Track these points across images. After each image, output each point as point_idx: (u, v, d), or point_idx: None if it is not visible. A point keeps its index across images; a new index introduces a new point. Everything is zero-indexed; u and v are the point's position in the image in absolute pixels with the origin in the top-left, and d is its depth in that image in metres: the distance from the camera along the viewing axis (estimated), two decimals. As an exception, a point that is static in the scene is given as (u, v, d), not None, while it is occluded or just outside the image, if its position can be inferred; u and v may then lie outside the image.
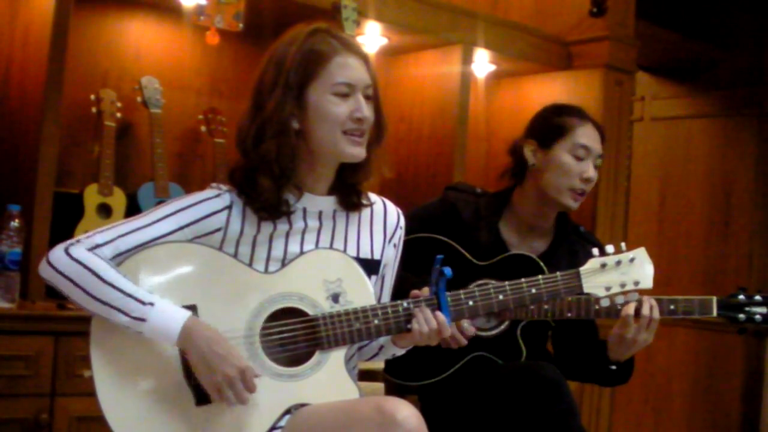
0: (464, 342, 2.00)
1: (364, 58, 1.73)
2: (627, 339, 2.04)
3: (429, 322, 1.69)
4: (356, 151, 1.71)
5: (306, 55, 1.68)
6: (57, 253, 1.62)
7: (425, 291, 1.73)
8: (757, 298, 2.12)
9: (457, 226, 2.23)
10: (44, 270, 1.62)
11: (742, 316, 2.11)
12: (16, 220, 2.41)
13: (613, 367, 2.13)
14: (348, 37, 1.76)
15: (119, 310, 1.58)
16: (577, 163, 2.19)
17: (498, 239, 2.24)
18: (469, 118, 3.53)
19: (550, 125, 2.23)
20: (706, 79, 4.90)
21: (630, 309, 2.02)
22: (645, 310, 2.02)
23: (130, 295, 1.58)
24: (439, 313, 1.70)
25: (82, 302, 1.60)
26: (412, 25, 3.38)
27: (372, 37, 3.41)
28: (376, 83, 1.75)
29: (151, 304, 1.58)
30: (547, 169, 2.20)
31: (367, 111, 1.71)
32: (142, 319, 1.57)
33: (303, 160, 1.72)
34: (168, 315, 1.59)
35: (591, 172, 2.19)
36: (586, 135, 2.21)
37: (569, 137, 2.20)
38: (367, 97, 1.72)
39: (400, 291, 1.86)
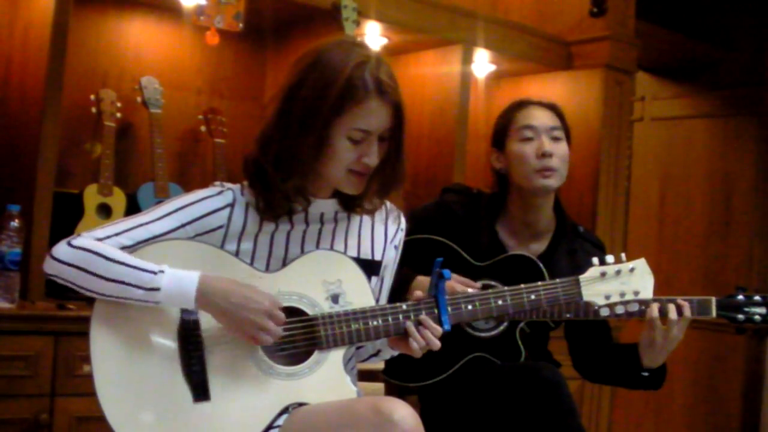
0: None
1: (394, 104, 1.70)
2: (657, 343, 2.00)
3: (427, 340, 1.68)
4: (355, 189, 1.73)
5: (346, 88, 1.65)
6: (60, 248, 1.62)
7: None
8: (757, 298, 2.10)
9: (454, 227, 2.24)
10: (49, 266, 1.62)
11: (741, 316, 2.09)
12: (16, 220, 2.41)
13: (645, 374, 2.09)
14: (389, 79, 1.70)
15: (132, 285, 1.58)
16: (528, 144, 2.20)
17: (495, 240, 2.24)
18: (469, 118, 3.53)
19: (497, 127, 2.29)
20: (707, 79, 4.90)
21: (654, 311, 1.99)
22: (672, 314, 1.98)
23: (139, 268, 1.59)
24: (429, 328, 1.69)
25: (93, 287, 1.60)
26: (412, 25, 3.37)
27: (372, 37, 3.41)
28: (402, 128, 1.72)
29: (162, 271, 1.59)
30: (511, 166, 2.23)
31: (375, 157, 1.70)
32: (156, 288, 1.58)
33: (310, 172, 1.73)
34: (180, 279, 1.59)
35: (546, 146, 2.18)
36: (526, 116, 2.24)
37: (513, 127, 2.24)
38: (381, 139, 1.71)
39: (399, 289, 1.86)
